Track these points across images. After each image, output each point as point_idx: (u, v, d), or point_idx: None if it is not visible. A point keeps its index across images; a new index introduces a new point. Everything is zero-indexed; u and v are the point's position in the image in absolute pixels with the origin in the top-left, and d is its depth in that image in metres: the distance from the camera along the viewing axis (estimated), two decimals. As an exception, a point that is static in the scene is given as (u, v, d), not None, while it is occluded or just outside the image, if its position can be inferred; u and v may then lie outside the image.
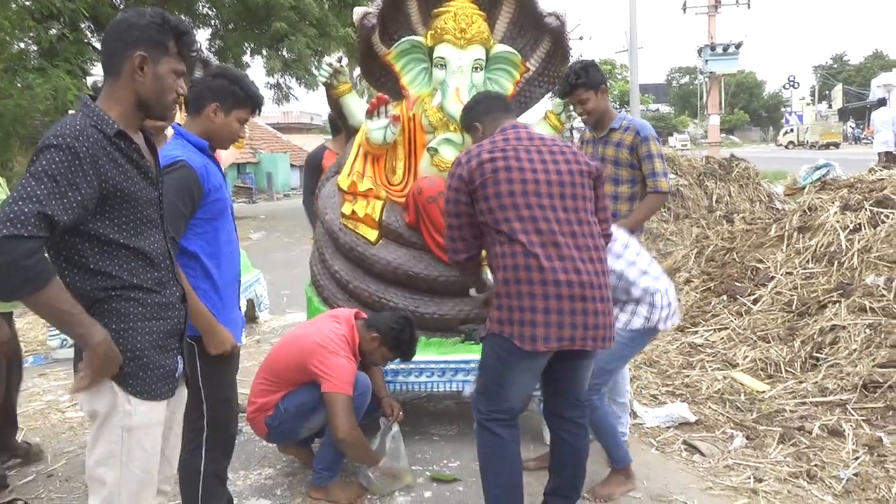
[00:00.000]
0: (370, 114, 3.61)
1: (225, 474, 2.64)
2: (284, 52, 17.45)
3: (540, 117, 4.10)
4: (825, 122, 51.97)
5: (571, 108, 3.71)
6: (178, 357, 2.00)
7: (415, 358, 3.31)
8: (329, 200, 3.78)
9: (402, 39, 3.72)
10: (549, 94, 4.16)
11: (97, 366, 1.75)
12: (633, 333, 2.93)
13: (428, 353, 3.52)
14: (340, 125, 4.15)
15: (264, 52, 17.72)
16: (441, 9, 3.68)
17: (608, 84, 3.62)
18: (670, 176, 3.48)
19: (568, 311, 2.38)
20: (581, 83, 3.46)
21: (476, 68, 3.65)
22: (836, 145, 41.40)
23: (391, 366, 3.43)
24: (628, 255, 2.94)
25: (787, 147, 47.54)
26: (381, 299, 3.55)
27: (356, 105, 3.84)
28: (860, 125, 49.20)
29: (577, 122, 4.45)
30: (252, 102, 2.49)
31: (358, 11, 3.64)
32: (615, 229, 2.81)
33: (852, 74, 68.41)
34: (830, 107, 62.53)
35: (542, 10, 3.81)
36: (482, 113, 2.83)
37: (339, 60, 3.76)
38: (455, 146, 3.61)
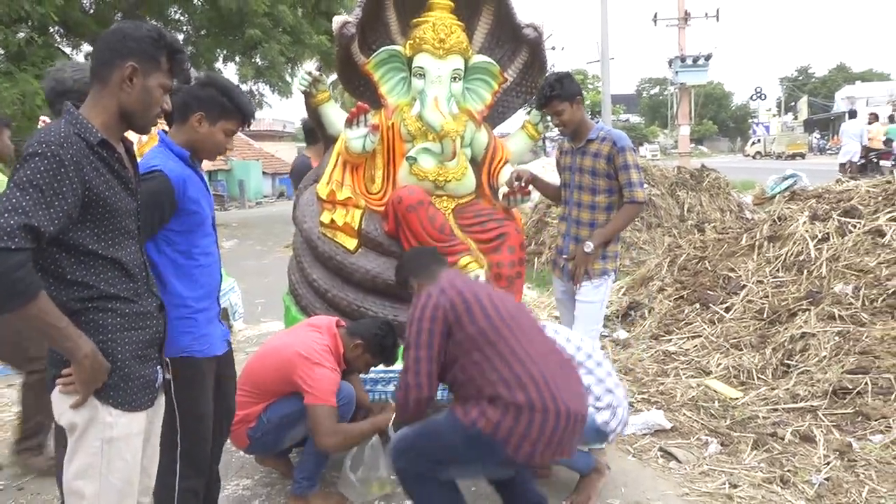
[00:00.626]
0: (349, 123, 3.61)
1: (201, 490, 2.60)
2: (257, 59, 17.33)
3: (518, 127, 4.15)
4: (791, 132, 52.91)
5: (549, 118, 3.75)
6: (158, 367, 1.99)
7: (393, 367, 3.31)
8: (307, 209, 3.77)
9: (381, 49, 3.73)
10: (526, 104, 4.20)
11: (85, 378, 1.75)
12: (595, 426, 2.99)
13: (407, 361, 3.51)
14: (318, 134, 4.14)
15: (237, 58, 17.61)
16: (420, 19, 3.70)
17: (583, 95, 3.68)
18: (644, 186, 3.54)
19: (563, 430, 2.38)
20: (556, 95, 3.51)
21: (455, 78, 3.68)
22: (802, 156, 42.20)
23: (370, 374, 3.42)
24: (599, 373, 3.04)
25: (754, 157, 48.30)
26: (360, 308, 3.54)
27: (335, 114, 3.82)
28: (825, 136, 50.25)
29: (552, 133, 4.50)
30: (241, 114, 2.41)
31: (337, 20, 3.64)
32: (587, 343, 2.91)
33: (817, 86, 69.90)
34: (796, 118, 63.74)
35: (520, 21, 3.85)
36: (416, 269, 2.83)
37: (319, 69, 3.76)
38: (434, 156, 3.63)
